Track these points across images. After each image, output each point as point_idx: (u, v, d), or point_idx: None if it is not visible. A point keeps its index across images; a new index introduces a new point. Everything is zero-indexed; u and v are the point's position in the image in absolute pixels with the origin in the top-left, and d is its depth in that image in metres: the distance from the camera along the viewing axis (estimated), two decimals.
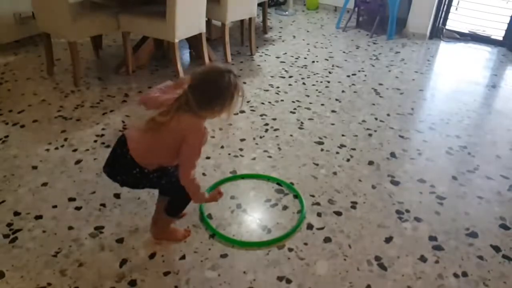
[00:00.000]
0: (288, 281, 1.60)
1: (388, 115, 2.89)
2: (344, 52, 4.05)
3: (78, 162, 2.23)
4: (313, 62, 3.75)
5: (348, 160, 2.37)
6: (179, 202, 1.64)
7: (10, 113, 2.68)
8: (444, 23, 4.61)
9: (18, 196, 1.97)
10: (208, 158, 2.29)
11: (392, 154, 2.44)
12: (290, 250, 1.74)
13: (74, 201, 1.96)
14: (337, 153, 2.43)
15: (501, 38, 4.42)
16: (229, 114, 1.49)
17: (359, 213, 1.97)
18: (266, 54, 3.87)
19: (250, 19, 3.71)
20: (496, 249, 1.80)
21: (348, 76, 3.50)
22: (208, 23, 3.64)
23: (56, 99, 2.88)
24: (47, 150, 2.33)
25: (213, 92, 1.43)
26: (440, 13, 4.50)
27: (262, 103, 2.95)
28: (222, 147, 2.41)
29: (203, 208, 1.91)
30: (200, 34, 3.17)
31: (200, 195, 1.55)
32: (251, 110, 2.85)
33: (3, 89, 2.99)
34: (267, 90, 3.16)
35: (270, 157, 2.36)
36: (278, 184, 2.14)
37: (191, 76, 1.46)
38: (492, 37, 4.49)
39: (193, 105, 1.42)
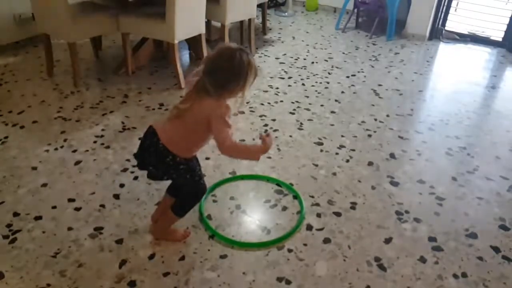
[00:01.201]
0: (288, 282, 1.60)
1: (388, 116, 2.90)
2: (343, 53, 4.05)
3: (77, 163, 2.23)
4: (313, 63, 3.75)
5: (347, 160, 2.37)
6: (189, 202, 1.66)
7: (9, 114, 2.68)
8: (443, 24, 4.62)
9: (17, 197, 1.97)
10: (207, 158, 2.29)
11: (392, 155, 2.44)
12: (290, 251, 1.74)
13: (73, 201, 1.96)
14: (337, 153, 2.43)
15: (500, 39, 4.43)
16: (244, 93, 1.50)
17: (359, 214, 1.97)
18: (265, 55, 3.88)
19: (249, 20, 3.72)
20: (496, 249, 1.80)
21: (348, 77, 3.50)
22: (208, 24, 3.64)
23: (56, 100, 2.88)
24: (47, 151, 2.33)
25: (227, 73, 1.44)
26: (440, 14, 4.51)
27: (262, 104, 2.95)
28: None
29: (202, 209, 1.91)
30: (199, 35, 3.17)
31: (253, 152, 1.55)
32: (250, 111, 2.85)
33: (3, 90, 2.99)
34: (266, 91, 3.16)
35: (269, 157, 2.35)
36: (278, 184, 2.14)
37: (204, 60, 1.48)
38: (492, 38, 4.50)
39: (210, 89, 1.44)
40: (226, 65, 1.44)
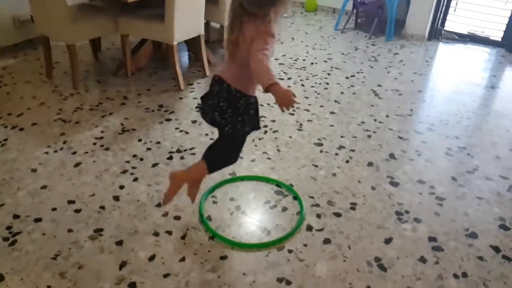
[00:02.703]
0: (288, 283, 1.60)
1: (387, 116, 2.90)
2: (342, 53, 4.06)
3: (77, 164, 2.23)
4: (312, 63, 3.75)
5: (347, 161, 2.37)
6: (224, 156, 1.76)
7: (9, 116, 2.68)
8: (442, 24, 4.62)
9: (17, 199, 1.97)
10: None
11: (391, 155, 2.44)
12: (290, 251, 1.74)
13: (73, 203, 1.96)
14: (336, 154, 2.43)
15: (499, 39, 4.43)
16: (279, 15, 1.51)
17: (359, 214, 1.97)
18: None
19: None
20: (496, 249, 1.80)
21: (347, 77, 3.50)
22: (207, 25, 3.64)
23: (55, 102, 2.88)
24: (46, 153, 2.33)
25: None
26: (439, 14, 4.51)
27: (261, 105, 2.92)
28: None
29: (202, 210, 1.91)
30: (198, 37, 3.18)
31: (271, 76, 1.46)
32: None
33: (2, 92, 2.99)
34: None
35: (269, 158, 2.36)
36: (278, 185, 2.14)
37: None
38: (491, 38, 4.50)
39: (244, 3, 1.46)
40: None
